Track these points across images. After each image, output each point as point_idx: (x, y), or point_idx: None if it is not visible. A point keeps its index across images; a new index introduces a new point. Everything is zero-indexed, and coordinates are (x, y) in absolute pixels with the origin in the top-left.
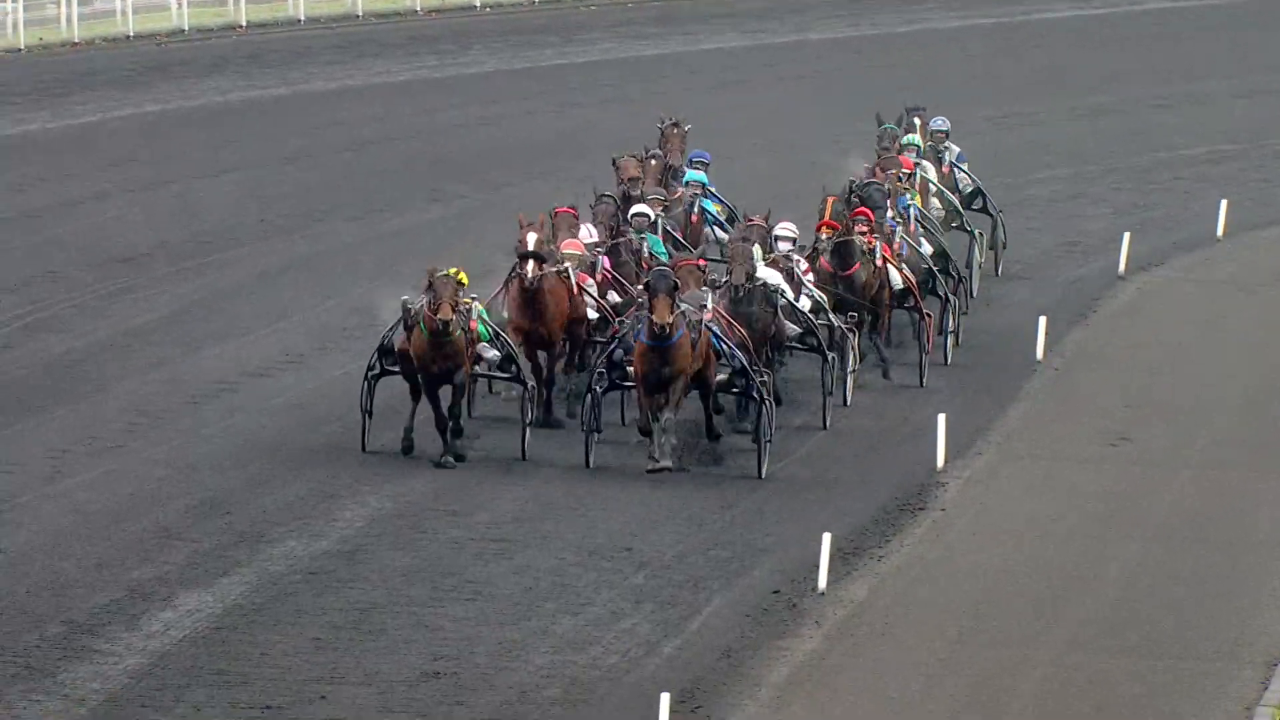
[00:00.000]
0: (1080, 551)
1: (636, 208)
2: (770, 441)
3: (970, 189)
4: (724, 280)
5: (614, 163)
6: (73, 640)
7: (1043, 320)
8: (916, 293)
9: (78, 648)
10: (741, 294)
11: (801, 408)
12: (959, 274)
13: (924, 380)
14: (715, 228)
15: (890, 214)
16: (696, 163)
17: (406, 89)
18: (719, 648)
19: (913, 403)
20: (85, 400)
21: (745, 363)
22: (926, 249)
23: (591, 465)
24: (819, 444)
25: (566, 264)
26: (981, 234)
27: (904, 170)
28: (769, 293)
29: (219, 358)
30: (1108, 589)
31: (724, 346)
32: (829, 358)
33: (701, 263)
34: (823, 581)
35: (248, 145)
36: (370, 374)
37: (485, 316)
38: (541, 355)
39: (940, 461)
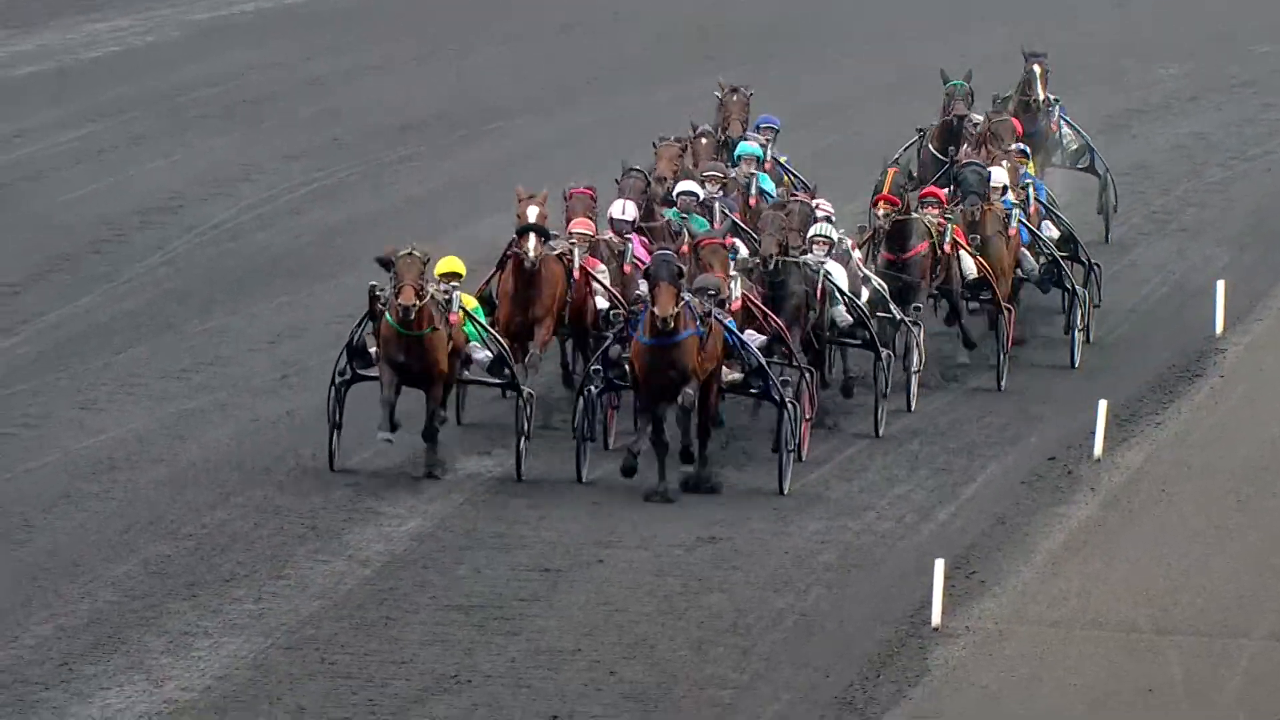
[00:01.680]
0: None
1: (682, 185)
2: (794, 452)
3: (1076, 146)
4: (754, 260)
5: (654, 146)
6: (357, 503)
7: None
8: (994, 283)
9: (362, 510)
10: (774, 269)
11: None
12: (1089, 261)
13: (1002, 384)
14: None
15: (1009, 195)
16: (765, 128)
17: None
18: (993, 514)
19: (1191, 269)
20: (370, 268)
21: (762, 361)
22: (1052, 233)
23: (585, 479)
24: (1096, 313)
25: (573, 242)
26: (1109, 173)
27: (1017, 142)
28: (808, 271)
29: (495, 227)
30: None
31: (738, 342)
32: (882, 353)
33: (729, 241)
34: (1099, 448)
35: (524, 15)
36: (339, 379)
37: (476, 312)
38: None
39: (1219, 327)
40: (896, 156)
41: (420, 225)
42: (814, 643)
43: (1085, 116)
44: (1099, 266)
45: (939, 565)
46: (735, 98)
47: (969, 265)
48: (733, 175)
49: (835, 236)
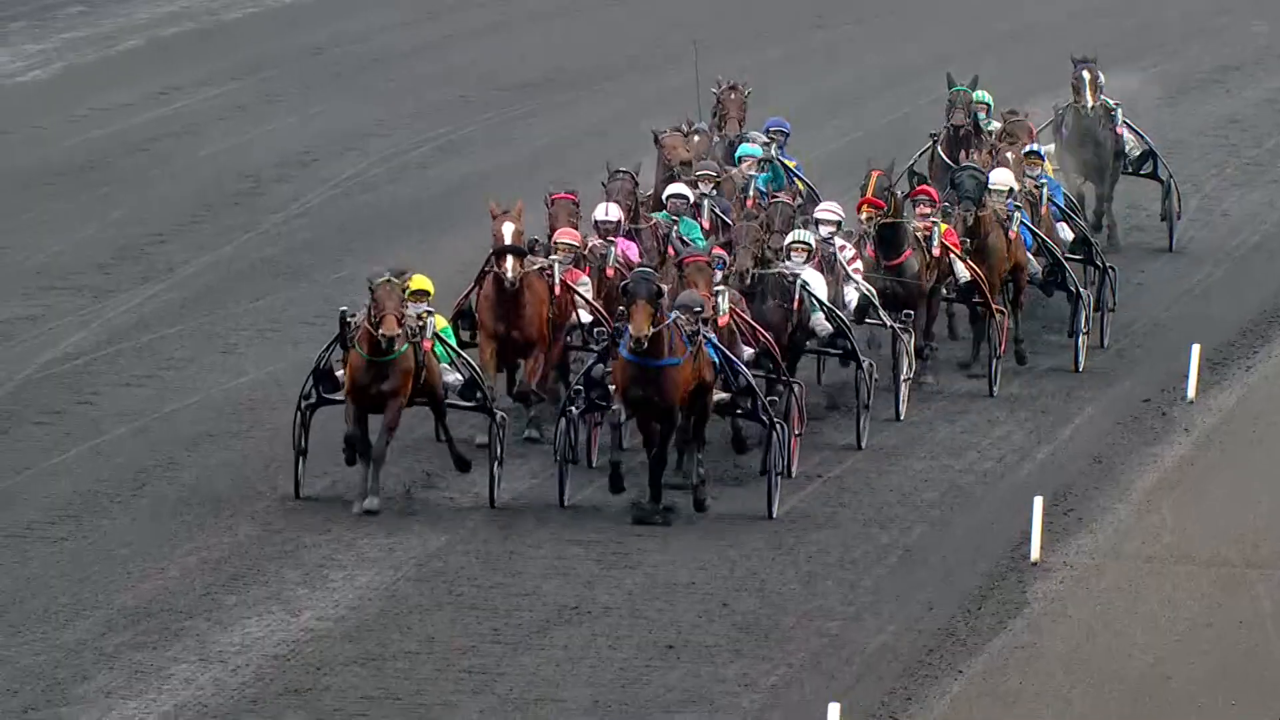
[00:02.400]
0: None
1: (673, 188)
2: (782, 473)
3: (1139, 151)
4: (730, 271)
5: (656, 139)
6: (482, 443)
7: None
8: (985, 287)
9: (487, 450)
10: (751, 284)
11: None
12: (1104, 265)
13: (994, 389)
14: None
15: (1012, 199)
16: (774, 131)
17: None
18: (1090, 454)
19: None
20: (486, 222)
21: (750, 380)
22: (1067, 235)
23: (567, 504)
24: (1177, 264)
25: (555, 258)
26: (1172, 179)
27: (1033, 145)
28: (786, 283)
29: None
30: None
31: (725, 361)
32: (863, 363)
33: (715, 251)
34: (1192, 390)
35: None
36: (305, 403)
37: (445, 334)
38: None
39: None
40: (911, 163)
41: (545, 180)
42: (918, 577)
43: (1180, 73)
44: (1114, 270)
45: (1038, 503)
46: (733, 95)
47: (959, 269)
48: (729, 175)
49: (813, 243)
